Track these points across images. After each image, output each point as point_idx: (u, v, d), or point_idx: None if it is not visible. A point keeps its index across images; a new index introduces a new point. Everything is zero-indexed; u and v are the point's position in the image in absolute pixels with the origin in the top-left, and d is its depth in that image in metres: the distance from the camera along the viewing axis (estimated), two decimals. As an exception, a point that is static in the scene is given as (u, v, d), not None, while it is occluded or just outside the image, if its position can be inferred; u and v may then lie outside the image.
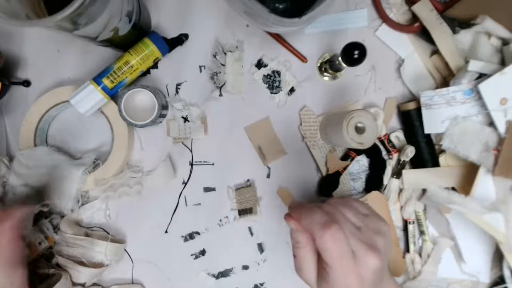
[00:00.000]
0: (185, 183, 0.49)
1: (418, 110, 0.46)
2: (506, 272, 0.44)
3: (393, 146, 0.48)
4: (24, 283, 0.37)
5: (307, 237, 0.33)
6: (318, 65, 0.49)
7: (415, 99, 0.47)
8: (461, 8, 0.45)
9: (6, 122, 0.49)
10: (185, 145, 0.49)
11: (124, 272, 0.49)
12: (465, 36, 0.45)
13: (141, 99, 0.45)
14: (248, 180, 0.49)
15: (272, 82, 0.48)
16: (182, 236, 0.49)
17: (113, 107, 0.46)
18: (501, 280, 0.45)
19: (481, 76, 0.43)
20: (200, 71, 0.49)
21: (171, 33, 0.48)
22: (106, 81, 0.43)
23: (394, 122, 0.49)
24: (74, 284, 0.46)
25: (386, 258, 0.33)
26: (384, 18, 0.48)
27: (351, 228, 0.33)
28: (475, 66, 0.42)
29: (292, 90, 0.49)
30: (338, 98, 0.49)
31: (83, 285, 0.46)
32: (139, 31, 0.44)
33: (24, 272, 0.37)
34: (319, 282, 0.33)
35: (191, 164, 0.49)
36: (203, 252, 0.49)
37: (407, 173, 0.47)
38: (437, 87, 0.48)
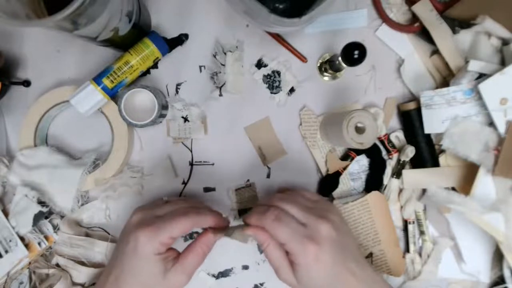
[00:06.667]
0: (185, 183, 0.49)
1: (418, 110, 0.46)
2: (506, 272, 0.44)
3: (393, 146, 0.48)
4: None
5: (265, 234, 0.35)
6: (318, 65, 0.49)
7: (415, 99, 0.47)
8: (461, 8, 0.45)
9: (6, 122, 0.49)
10: (185, 145, 0.49)
11: (124, 272, 0.49)
12: (465, 36, 0.45)
13: (141, 99, 0.45)
14: (248, 180, 0.49)
15: (272, 82, 0.48)
16: (182, 236, 0.49)
17: (113, 107, 0.46)
18: (501, 280, 0.45)
19: (481, 76, 0.43)
20: (200, 71, 0.49)
21: (171, 33, 0.48)
22: (106, 81, 0.43)
23: (394, 122, 0.49)
24: (74, 284, 0.46)
25: (344, 235, 0.36)
26: (384, 18, 0.48)
27: (299, 207, 0.36)
28: (475, 66, 0.42)
29: (292, 90, 0.49)
30: (338, 98, 0.49)
31: (83, 285, 0.46)
32: (139, 31, 0.44)
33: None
34: (295, 276, 0.35)
35: (191, 164, 0.49)
36: (203, 252, 0.49)
37: (407, 173, 0.47)
38: (437, 87, 0.48)
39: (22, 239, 0.45)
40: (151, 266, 0.35)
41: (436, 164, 0.47)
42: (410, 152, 0.46)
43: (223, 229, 0.38)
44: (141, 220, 0.36)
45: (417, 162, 0.47)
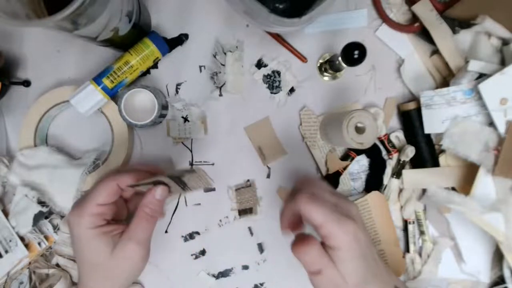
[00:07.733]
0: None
1: (418, 110, 0.46)
2: (506, 272, 0.44)
3: (393, 146, 0.48)
4: None
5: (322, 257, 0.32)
6: (318, 65, 0.49)
7: (415, 99, 0.47)
8: (461, 8, 0.45)
9: (6, 122, 0.49)
10: (185, 145, 0.49)
11: (124, 272, 0.49)
12: (465, 36, 0.45)
13: (141, 99, 0.45)
14: (248, 180, 0.49)
15: (272, 82, 0.48)
16: (182, 236, 0.49)
17: (113, 107, 0.46)
18: (501, 280, 0.45)
19: (481, 76, 0.43)
20: (200, 71, 0.49)
21: (171, 33, 0.48)
22: (106, 81, 0.43)
23: (394, 122, 0.49)
24: (74, 284, 0.46)
25: (364, 229, 0.34)
26: (384, 18, 0.48)
27: (327, 190, 0.35)
28: (475, 66, 0.42)
29: (292, 90, 0.49)
30: (338, 98, 0.49)
31: (83, 285, 0.46)
32: (139, 31, 0.44)
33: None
34: (338, 267, 0.31)
35: (191, 164, 0.49)
36: (203, 252, 0.49)
37: (407, 173, 0.47)
38: (437, 87, 0.48)
39: (22, 239, 0.45)
40: (93, 244, 0.34)
41: (436, 164, 0.47)
42: (410, 152, 0.46)
43: (162, 181, 0.35)
44: (72, 206, 0.37)
45: (417, 162, 0.47)
